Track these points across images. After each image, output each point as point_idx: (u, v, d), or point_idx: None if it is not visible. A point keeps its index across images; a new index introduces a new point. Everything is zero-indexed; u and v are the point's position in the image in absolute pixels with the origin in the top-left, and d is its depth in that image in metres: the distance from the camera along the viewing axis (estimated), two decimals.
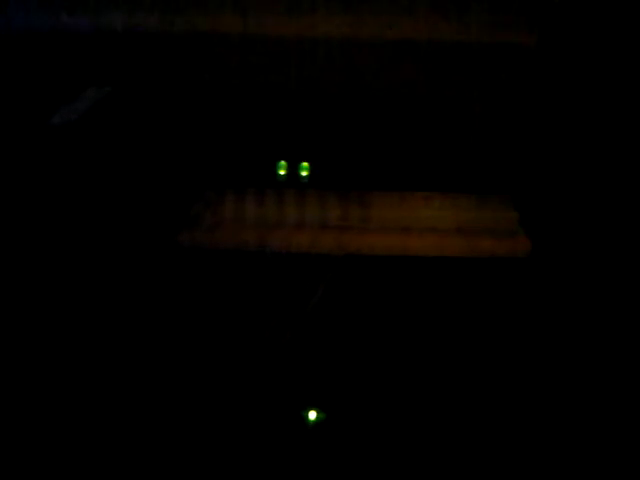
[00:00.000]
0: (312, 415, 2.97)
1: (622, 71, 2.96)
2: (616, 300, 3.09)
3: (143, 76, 3.11)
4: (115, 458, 2.85)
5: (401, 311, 3.12)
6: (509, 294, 3.12)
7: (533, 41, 2.99)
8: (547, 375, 3.03)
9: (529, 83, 3.06)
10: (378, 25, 3.00)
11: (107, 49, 3.06)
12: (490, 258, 3.14)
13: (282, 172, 3.18)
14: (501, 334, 3.10)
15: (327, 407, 2.99)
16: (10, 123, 3.12)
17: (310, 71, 3.09)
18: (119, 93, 3.12)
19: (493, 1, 2.99)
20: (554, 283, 3.12)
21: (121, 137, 3.15)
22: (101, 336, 3.05)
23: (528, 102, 3.10)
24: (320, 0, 2.97)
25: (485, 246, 3.14)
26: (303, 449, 2.92)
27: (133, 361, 3.02)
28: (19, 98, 3.12)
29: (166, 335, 3.07)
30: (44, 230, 3.09)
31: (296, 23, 3.00)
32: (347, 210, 3.17)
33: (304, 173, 3.19)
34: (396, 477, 2.85)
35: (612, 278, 3.10)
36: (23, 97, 3.13)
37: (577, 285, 3.11)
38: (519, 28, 3.01)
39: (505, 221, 3.19)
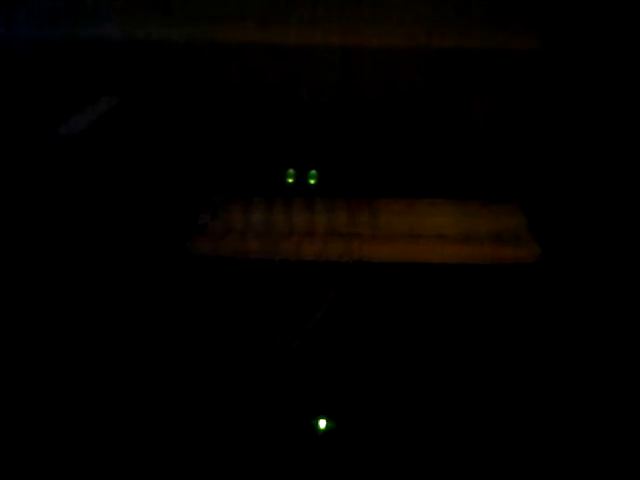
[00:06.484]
0: (322, 424, 2.96)
1: (631, 77, 2.96)
2: (627, 308, 3.07)
3: (150, 86, 3.12)
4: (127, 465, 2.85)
5: (410, 319, 3.11)
6: (519, 301, 3.11)
7: (539, 46, 2.99)
8: (561, 385, 3.01)
9: (537, 88, 3.06)
10: (378, 32, 3.01)
11: (113, 59, 3.07)
12: (499, 265, 3.13)
13: (290, 180, 3.18)
14: (511, 342, 3.09)
15: (337, 416, 2.98)
16: (17, 133, 3.13)
17: (314, 78, 3.10)
18: (126, 103, 3.13)
19: (498, 6, 2.99)
20: (564, 290, 3.11)
21: (128, 146, 3.15)
22: (109, 344, 3.05)
23: (536, 106, 3.10)
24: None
25: (494, 253, 3.13)
26: (312, 458, 2.91)
27: (140, 368, 3.02)
28: (25, 108, 3.14)
29: (173, 344, 3.07)
30: (51, 237, 3.09)
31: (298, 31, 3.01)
32: (355, 217, 3.16)
33: (312, 181, 3.19)
34: None
35: (619, 284, 3.09)
36: (29, 107, 3.14)
37: (587, 292, 3.10)
38: (525, 32, 3.02)
39: (513, 227, 3.18)
